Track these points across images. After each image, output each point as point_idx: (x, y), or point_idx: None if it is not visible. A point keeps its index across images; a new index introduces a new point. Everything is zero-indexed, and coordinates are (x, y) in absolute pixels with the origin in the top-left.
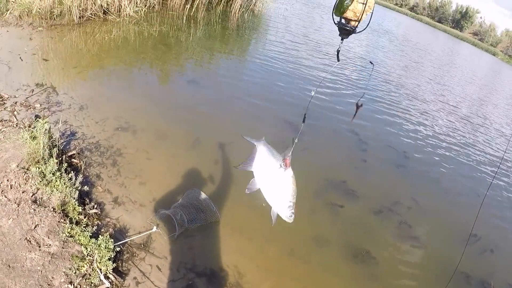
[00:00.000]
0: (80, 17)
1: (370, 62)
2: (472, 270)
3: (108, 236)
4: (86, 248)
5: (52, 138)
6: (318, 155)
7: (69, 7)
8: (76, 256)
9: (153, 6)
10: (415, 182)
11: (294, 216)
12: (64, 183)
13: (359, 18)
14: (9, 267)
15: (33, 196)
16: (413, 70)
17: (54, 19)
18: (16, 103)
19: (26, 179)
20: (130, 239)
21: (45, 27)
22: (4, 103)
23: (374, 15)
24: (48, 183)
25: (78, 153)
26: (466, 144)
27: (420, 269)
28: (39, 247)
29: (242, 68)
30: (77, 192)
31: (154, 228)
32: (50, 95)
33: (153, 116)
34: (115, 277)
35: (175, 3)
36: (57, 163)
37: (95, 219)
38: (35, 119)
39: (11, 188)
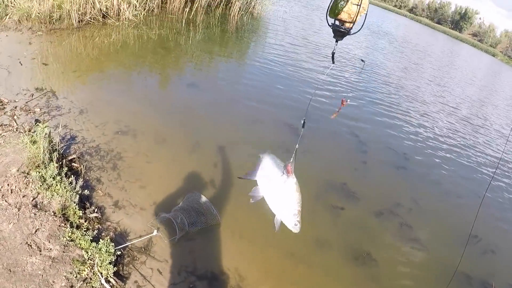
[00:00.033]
0: (79, 21)
1: (362, 60)
2: (473, 271)
3: (108, 240)
4: (87, 252)
5: (52, 142)
6: (318, 157)
7: (68, 11)
8: (77, 260)
9: (152, 10)
10: (416, 183)
11: (300, 225)
12: (65, 187)
13: (354, 19)
14: (10, 271)
15: (34, 200)
16: (412, 72)
17: (54, 23)
18: (16, 107)
19: (26, 183)
20: (131, 242)
21: (45, 32)
22: (4, 107)
23: (373, 17)
24: (48, 187)
25: (78, 157)
26: (466, 145)
27: (421, 270)
28: (40, 251)
29: (241, 71)
30: (78, 196)
31: (155, 232)
32: (50, 99)
33: (153, 119)
34: (116, 281)
35: (174, 6)
36: (57, 167)
37: (95, 223)
38: (35, 123)
39: (11, 192)
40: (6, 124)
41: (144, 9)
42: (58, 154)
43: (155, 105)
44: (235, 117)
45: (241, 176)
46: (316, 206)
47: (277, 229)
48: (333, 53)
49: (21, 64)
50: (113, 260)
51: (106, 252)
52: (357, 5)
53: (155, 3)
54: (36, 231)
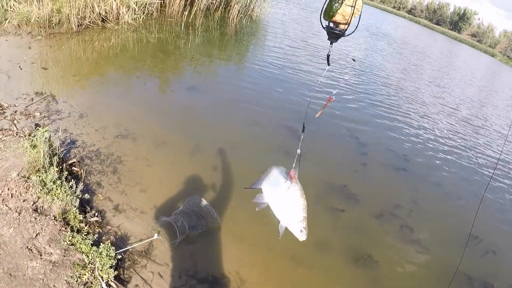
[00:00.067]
0: (78, 25)
1: (353, 59)
2: (474, 272)
3: (109, 244)
4: (88, 256)
5: (52, 146)
6: (318, 159)
7: (68, 15)
8: (78, 264)
9: (152, 13)
10: (416, 185)
11: (307, 232)
12: (65, 192)
13: (348, 21)
14: (11, 275)
15: (34, 204)
16: (412, 73)
17: (53, 27)
18: (16, 112)
19: (26, 187)
20: (132, 246)
21: (44, 36)
22: (4, 112)
23: (372, 19)
24: (48, 192)
25: (79, 161)
26: (466, 146)
27: (422, 271)
28: (41, 255)
29: (241, 74)
30: (78, 200)
31: (155, 235)
32: (50, 103)
33: (152, 123)
34: (116, 285)
35: (173, 10)
36: (57, 171)
37: (96, 227)
38: (35, 127)
39: (12, 197)
40: (6, 129)
41: (143, 13)
42: (58, 158)
43: (155, 108)
44: (235, 120)
45: (247, 186)
46: (316, 208)
47: (280, 235)
48: (328, 55)
49: (21, 69)
50: (113, 264)
51: (106, 256)
52: (351, 6)
53: (154, 7)
54: (36, 235)
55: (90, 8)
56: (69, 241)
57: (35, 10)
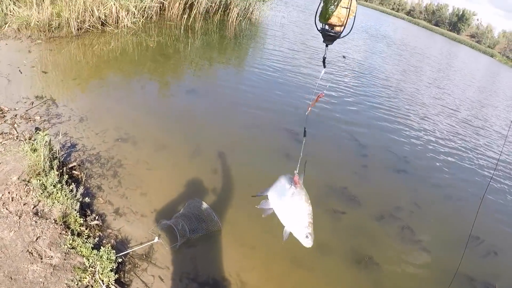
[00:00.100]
0: (78, 29)
1: (343, 56)
2: (475, 273)
3: (110, 247)
4: (88, 260)
5: (52, 150)
6: (318, 162)
7: (67, 19)
8: (78, 268)
9: (151, 17)
10: (416, 186)
11: (313, 238)
12: (65, 195)
13: (344, 22)
14: (11, 279)
15: (35, 208)
16: (411, 75)
17: (53, 31)
18: (16, 115)
19: (27, 191)
20: (132, 250)
21: (44, 40)
22: (4, 116)
23: (371, 21)
24: (49, 195)
25: (79, 165)
26: (466, 147)
27: (423, 273)
28: (41, 259)
29: (240, 77)
30: (78, 203)
31: (156, 239)
32: (50, 107)
33: (152, 126)
34: None
35: (172, 13)
36: (58, 175)
37: (96, 231)
38: (35, 131)
39: (12, 200)
40: (7, 132)
41: (143, 17)
42: (59, 162)
43: (155, 112)
44: (235, 123)
45: (255, 195)
46: (317, 210)
47: (284, 239)
48: (324, 58)
49: (21, 72)
50: (114, 267)
51: (107, 259)
52: (347, 8)
53: (154, 10)
54: (37, 238)
55: (90, 12)
56: (70, 244)
57: (34, 14)
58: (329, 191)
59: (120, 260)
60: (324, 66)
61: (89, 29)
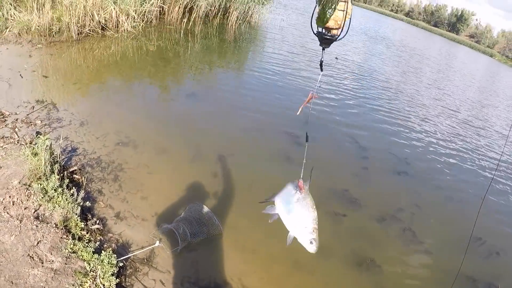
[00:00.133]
0: (78, 34)
1: (335, 57)
2: (478, 274)
3: (111, 252)
4: (89, 264)
5: (53, 154)
6: (319, 164)
7: (68, 24)
8: (79, 272)
9: (151, 21)
10: (418, 188)
11: (317, 244)
12: (66, 199)
13: (341, 25)
14: (12, 283)
15: (35, 212)
16: (411, 76)
17: (53, 36)
18: (17, 120)
19: (28, 195)
20: (133, 254)
21: (44, 44)
22: (5, 120)
23: (370, 23)
24: (50, 199)
25: (80, 169)
26: (467, 148)
27: (426, 275)
28: (42, 263)
29: (240, 81)
30: (79, 207)
31: (157, 243)
32: (51, 111)
33: (153, 130)
34: None
35: (172, 17)
36: (58, 179)
37: (97, 235)
38: (36, 135)
39: (13, 204)
40: (8, 137)
41: (143, 21)
42: (60, 166)
43: (155, 115)
44: (235, 126)
45: (262, 201)
46: (318, 213)
47: (288, 244)
48: (321, 61)
49: (22, 77)
50: (115, 271)
51: (108, 263)
52: (342, 10)
53: (153, 15)
54: (38, 243)
55: (90, 16)
56: (71, 248)
57: (35, 18)
58: (330, 193)
59: (121, 264)
60: (322, 70)
61: (90, 33)
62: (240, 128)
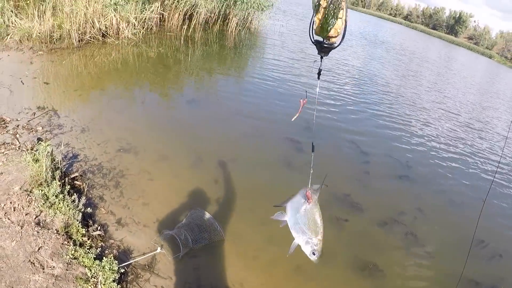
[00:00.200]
0: (79, 41)
1: (315, 61)
2: (481, 277)
3: (112, 258)
4: (90, 270)
5: (54, 160)
6: (320, 169)
7: (68, 31)
8: (80, 278)
9: (151, 28)
10: (419, 192)
11: (319, 255)
12: (67, 205)
13: (342, 33)
14: None
15: (37, 218)
16: (411, 79)
17: (54, 43)
18: (18, 126)
19: (29, 201)
20: (135, 260)
21: (45, 51)
22: (7, 126)
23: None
24: (51, 205)
25: (81, 175)
26: (469, 151)
27: (428, 279)
28: (43, 269)
29: (240, 87)
30: (80, 214)
31: (159, 249)
32: (52, 117)
33: (154, 136)
34: None
35: (172, 24)
36: (60, 185)
37: (99, 241)
38: (37, 142)
39: (14, 210)
40: (9, 143)
41: (143, 28)
42: (61, 172)
43: (156, 122)
44: (235, 132)
45: (277, 204)
46: None
47: (289, 252)
48: (320, 70)
49: (23, 83)
50: (116, 277)
51: (109, 269)
52: (341, 18)
53: (154, 22)
54: (39, 249)
55: (91, 23)
56: (72, 254)
57: (36, 25)
58: (332, 198)
59: (122, 270)
60: (318, 78)
61: (90, 40)
62: (241, 134)
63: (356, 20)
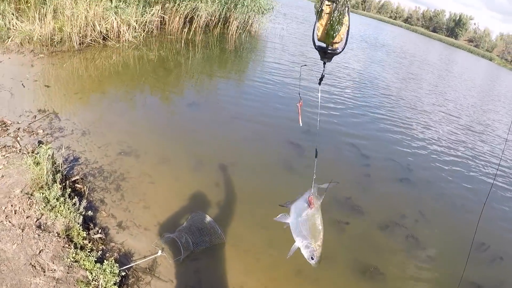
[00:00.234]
0: (80, 44)
1: (305, 65)
2: (482, 280)
3: (113, 261)
4: (91, 273)
5: (55, 163)
6: (321, 172)
7: (69, 34)
8: (81, 281)
9: (152, 31)
10: (420, 194)
11: (318, 261)
12: (68, 208)
13: (345, 38)
14: None
15: (37, 221)
16: (412, 82)
17: (55, 46)
18: (19, 129)
19: (30, 204)
20: (136, 263)
21: (46, 54)
22: (7, 129)
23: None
24: (52, 209)
25: (82, 178)
26: (470, 154)
27: (429, 281)
28: (44, 272)
29: (241, 91)
30: (81, 217)
31: (159, 252)
32: (53, 120)
33: (155, 139)
34: None
35: (173, 27)
36: (61, 188)
37: (99, 244)
38: (38, 144)
39: (15, 213)
40: (10, 146)
41: (144, 31)
42: (62, 175)
43: (157, 125)
44: (236, 136)
45: (282, 204)
46: None
47: (288, 256)
48: (322, 76)
49: (24, 86)
50: (117, 281)
51: (110, 273)
52: (344, 23)
53: (154, 25)
54: (40, 252)
55: (91, 26)
56: (73, 258)
57: (37, 28)
58: (333, 201)
59: (123, 273)
60: (320, 84)
61: (91, 43)
62: (241, 138)
63: (356, 23)
